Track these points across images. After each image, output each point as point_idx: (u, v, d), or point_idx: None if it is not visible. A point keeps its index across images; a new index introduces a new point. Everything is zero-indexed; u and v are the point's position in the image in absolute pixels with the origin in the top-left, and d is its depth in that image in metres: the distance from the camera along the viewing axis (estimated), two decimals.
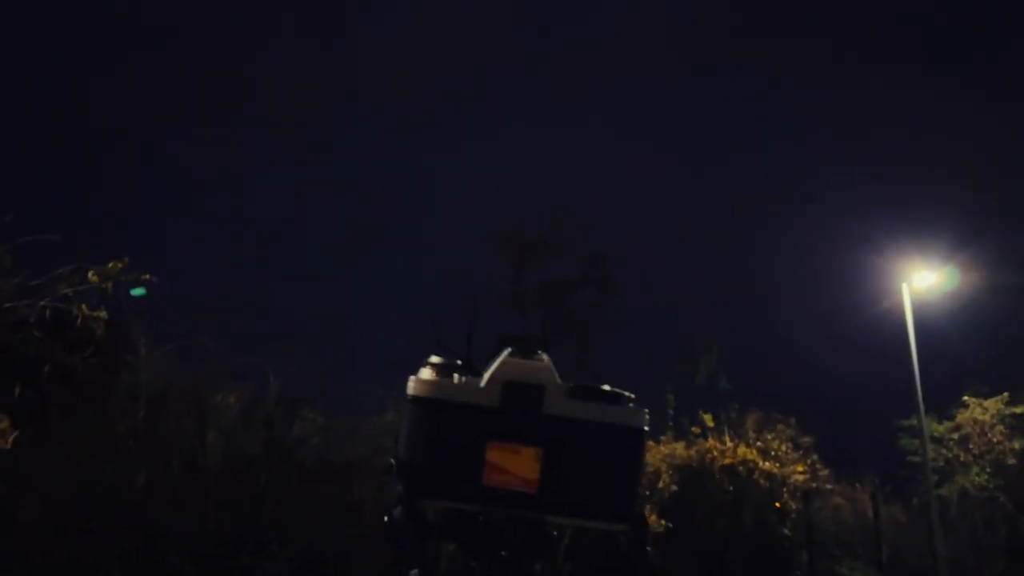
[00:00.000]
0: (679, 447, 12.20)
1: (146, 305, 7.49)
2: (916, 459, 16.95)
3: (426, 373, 0.93)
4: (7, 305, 6.40)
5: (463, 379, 0.91)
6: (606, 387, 0.95)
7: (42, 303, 6.44)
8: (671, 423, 13.67)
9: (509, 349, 0.89)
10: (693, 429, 12.73)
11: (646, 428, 0.96)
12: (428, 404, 0.91)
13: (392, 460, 0.94)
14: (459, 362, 0.92)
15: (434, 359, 0.93)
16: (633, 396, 0.97)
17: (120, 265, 6.56)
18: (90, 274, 6.53)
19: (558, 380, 0.91)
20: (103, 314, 6.54)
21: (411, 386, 0.93)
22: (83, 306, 6.46)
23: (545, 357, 0.90)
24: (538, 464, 0.88)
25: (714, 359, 18.39)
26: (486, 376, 0.91)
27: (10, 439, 5.99)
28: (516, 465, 0.87)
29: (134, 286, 6.82)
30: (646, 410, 0.94)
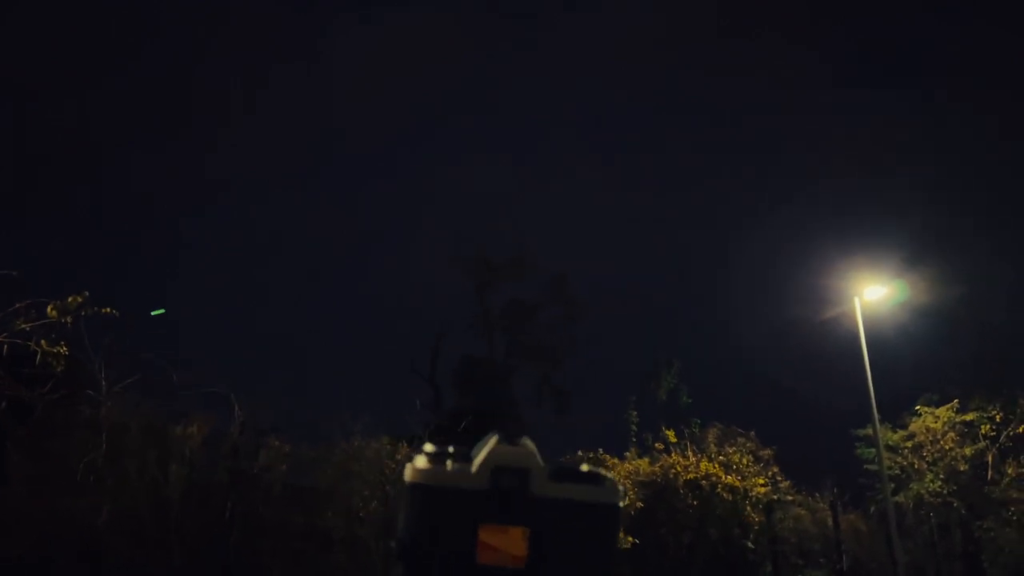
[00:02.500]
0: (643, 463, 12.33)
1: (106, 338, 7.43)
2: (873, 468, 17.35)
3: (421, 461, 1.01)
4: None
5: (456, 466, 1.00)
6: (584, 467, 1.04)
7: None
8: (634, 439, 13.87)
9: (496, 436, 0.99)
10: (656, 445, 12.89)
11: (621, 504, 1.07)
12: (425, 490, 1.00)
13: (393, 543, 1.03)
14: (451, 449, 1.01)
15: (428, 447, 1.02)
16: (609, 475, 1.07)
17: (80, 300, 6.49)
18: (49, 309, 6.44)
19: (541, 463, 1.01)
20: (63, 349, 6.46)
21: (408, 473, 1.01)
22: (43, 342, 6.39)
23: (529, 443, 1.00)
24: (525, 542, 0.98)
25: (674, 374, 18.68)
26: (476, 462, 1.00)
27: None
28: (506, 543, 0.97)
29: (94, 320, 6.76)
30: (621, 486, 1.04)
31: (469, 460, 1.01)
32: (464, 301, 27.62)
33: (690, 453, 12.45)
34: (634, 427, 13.83)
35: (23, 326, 6.41)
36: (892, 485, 16.64)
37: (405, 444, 9.66)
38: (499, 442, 1.01)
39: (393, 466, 9.46)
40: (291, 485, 9.01)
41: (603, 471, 1.03)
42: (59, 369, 6.46)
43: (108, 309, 6.71)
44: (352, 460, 9.44)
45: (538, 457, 1.02)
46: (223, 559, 7.65)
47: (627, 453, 12.60)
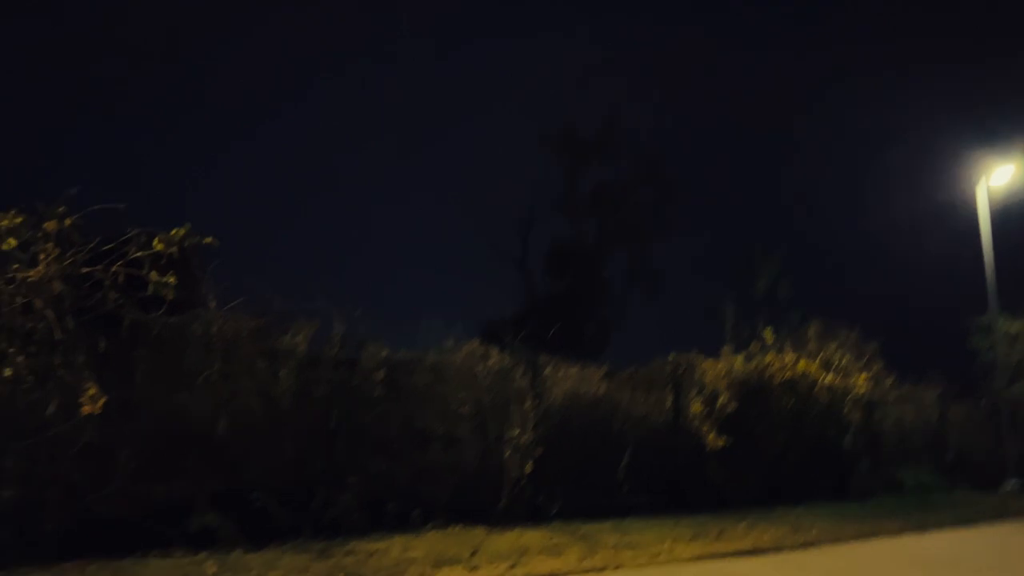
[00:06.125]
0: (737, 360, 12.19)
1: (210, 264, 7.81)
2: (988, 358, 16.69)
3: None
4: (85, 271, 6.78)
5: None
6: None
7: (114, 268, 6.80)
8: (730, 335, 13.63)
9: None
10: (753, 346, 12.65)
11: None
12: None
13: None
14: None
15: None
16: None
17: (183, 232, 6.87)
18: (155, 242, 6.85)
19: None
20: (172, 279, 6.88)
21: None
22: (153, 273, 6.81)
23: None
24: None
25: (775, 266, 18.03)
26: None
27: (99, 403, 6.47)
28: None
29: (198, 249, 7.13)
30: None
31: None
32: (548, 187, 27.16)
33: (788, 352, 12.20)
34: (730, 324, 13.58)
35: (136, 254, 6.86)
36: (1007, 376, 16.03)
37: (496, 350, 9.91)
38: None
39: (484, 371, 9.78)
40: (389, 387, 9.44)
41: None
42: (170, 298, 6.92)
43: (209, 239, 7.07)
44: (445, 363, 9.81)
45: None
46: (327, 463, 8.24)
47: (722, 350, 12.45)
